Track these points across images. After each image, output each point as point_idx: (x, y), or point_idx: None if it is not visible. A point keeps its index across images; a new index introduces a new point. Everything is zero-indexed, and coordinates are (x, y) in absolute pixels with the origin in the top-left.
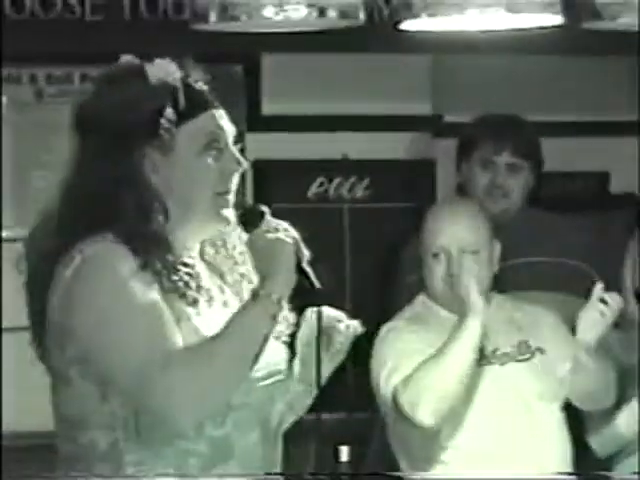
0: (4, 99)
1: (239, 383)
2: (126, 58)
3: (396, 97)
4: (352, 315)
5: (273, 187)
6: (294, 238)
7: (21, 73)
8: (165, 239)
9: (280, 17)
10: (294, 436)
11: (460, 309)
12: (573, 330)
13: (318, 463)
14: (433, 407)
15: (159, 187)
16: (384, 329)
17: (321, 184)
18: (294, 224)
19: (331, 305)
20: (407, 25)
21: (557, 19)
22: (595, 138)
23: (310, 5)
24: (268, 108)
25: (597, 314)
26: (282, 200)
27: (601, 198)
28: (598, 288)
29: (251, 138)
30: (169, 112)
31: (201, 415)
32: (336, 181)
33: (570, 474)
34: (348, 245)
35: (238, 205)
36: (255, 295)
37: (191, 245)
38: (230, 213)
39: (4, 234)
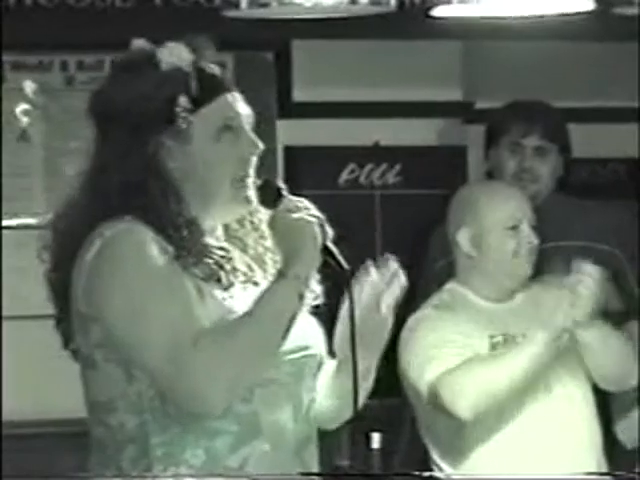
0: (34, 86)
1: (268, 362)
2: (138, 43)
3: (427, 83)
4: None
5: (304, 174)
6: (318, 217)
7: (53, 60)
8: (184, 221)
9: (311, 3)
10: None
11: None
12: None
13: (350, 450)
14: (474, 403)
15: (176, 175)
16: (413, 318)
17: (352, 171)
18: (325, 211)
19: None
20: (438, 11)
21: (588, 4)
22: (627, 124)
23: None
24: (299, 95)
25: (581, 289)
26: (313, 187)
27: (632, 184)
28: (576, 264)
29: (282, 125)
30: (183, 100)
31: (230, 394)
32: (367, 168)
33: (591, 474)
34: (379, 231)
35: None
36: (282, 275)
37: (214, 229)
38: (251, 193)
39: (34, 221)
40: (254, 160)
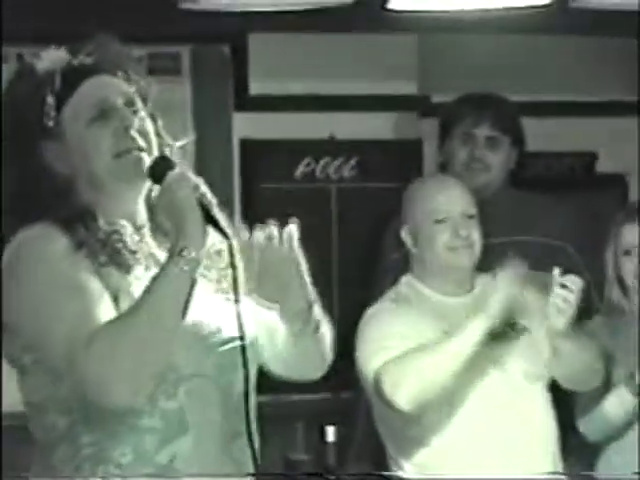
0: None
1: (169, 346)
2: (48, 52)
3: (383, 77)
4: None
5: (260, 167)
6: (196, 186)
7: (7, 53)
8: (87, 215)
9: None
10: (280, 416)
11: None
12: None
13: (304, 444)
14: (413, 394)
15: (66, 172)
16: (370, 310)
17: (308, 164)
18: (281, 204)
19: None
20: (394, 4)
21: None
22: (583, 118)
23: None
24: (255, 87)
25: (560, 301)
26: (269, 180)
27: (588, 178)
28: (556, 274)
29: (238, 118)
30: (49, 99)
31: (134, 385)
32: (323, 161)
33: (560, 474)
34: (335, 225)
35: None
36: (170, 253)
37: (124, 211)
38: (140, 169)
39: None
40: (135, 133)
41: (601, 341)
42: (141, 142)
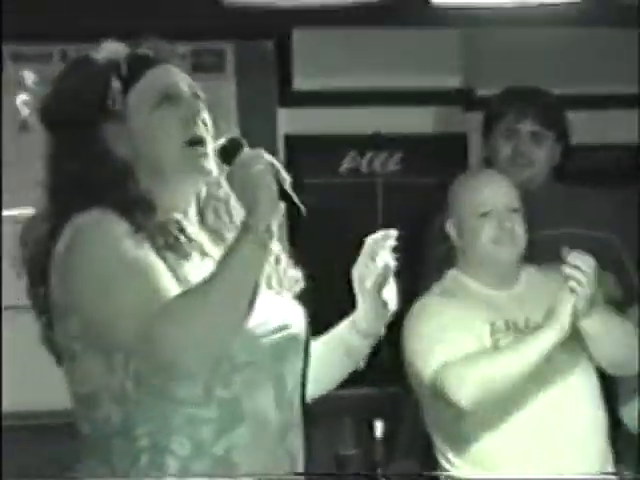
0: (34, 76)
1: (239, 321)
2: (107, 44)
3: (427, 71)
4: None
5: (305, 162)
6: (271, 163)
7: (52, 50)
8: (147, 201)
9: None
10: (329, 411)
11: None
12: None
13: (353, 439)
14: (476, 394)
15: (126, 157)
16: (415, 305)
17: (353, 159)
18: (327, 199)
19: None
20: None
21: None
22: (628, 110)
23: None
24: (299, 83)
25: (573, 282)
26: (314, 175)
27: (634, 171)
28: (566, 254)
29: (283, 113)
30: (115, 83)
31: (204, 356)
32: (368, 156)
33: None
34: (380, 219)
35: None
36: (243, 227)
37: (179, 202)
38: (207, 164)
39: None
40: (202, 124)
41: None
42: (207, 134)
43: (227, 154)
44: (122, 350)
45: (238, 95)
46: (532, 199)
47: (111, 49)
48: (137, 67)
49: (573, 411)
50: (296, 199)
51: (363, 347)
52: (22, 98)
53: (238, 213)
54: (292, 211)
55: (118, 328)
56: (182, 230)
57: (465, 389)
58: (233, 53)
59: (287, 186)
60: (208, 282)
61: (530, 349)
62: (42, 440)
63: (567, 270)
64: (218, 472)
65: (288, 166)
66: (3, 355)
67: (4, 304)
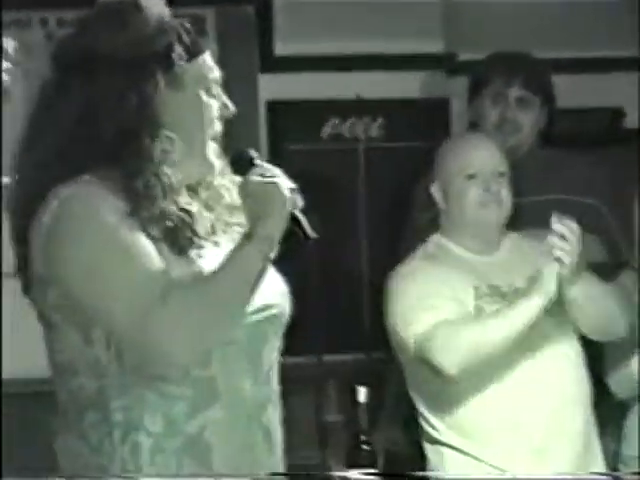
0: (14, 43)
1: (234, 321)
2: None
3: (409, 35)
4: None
5: (287, 128)
6: (290, 187)
7: (31, 17)
8: (152, 178)
9: None
10: (312, 378)
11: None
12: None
13: (337, 405)
14: (461, 360)
15: (167, 125)
16: (399, 270)
17: (335, 124)
18: (308, 164)
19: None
20: None
21: None
22: (609, 74)
23: None
24: (281, 49)
25: (556, 248)
26: (296, 141)
27: (616, 134)
28: (553, 220)
29: (264, 79)
30: (179, 48)
31: (193, 352)
32: (350, 121)
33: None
34: (362, 184)
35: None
36: (249, 235)
37: (177, 187)
38: (215, 160)
39: None
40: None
41: (632, 296)
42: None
43: (239, 165)
44: (104, 328)
45: (219, 61)
46: (518, 165)
47: (155, 2)
48: (194, 45)
49: (557, 378)
50: (305, 224)
51: None
52: (3, 65)
53: (232, 212)
54: (299, 235)
55: (105, 309)
56: (188, 224)
57: (450, 356)
58: (214, 19)
59: (297, 209)
60: (208, 281)
61: (516, 315)
62: (42, 408)
63: (552, 238)
64: (190, 450)
65: (270, 132)
66: (3, 322)
67: (4, 271)
